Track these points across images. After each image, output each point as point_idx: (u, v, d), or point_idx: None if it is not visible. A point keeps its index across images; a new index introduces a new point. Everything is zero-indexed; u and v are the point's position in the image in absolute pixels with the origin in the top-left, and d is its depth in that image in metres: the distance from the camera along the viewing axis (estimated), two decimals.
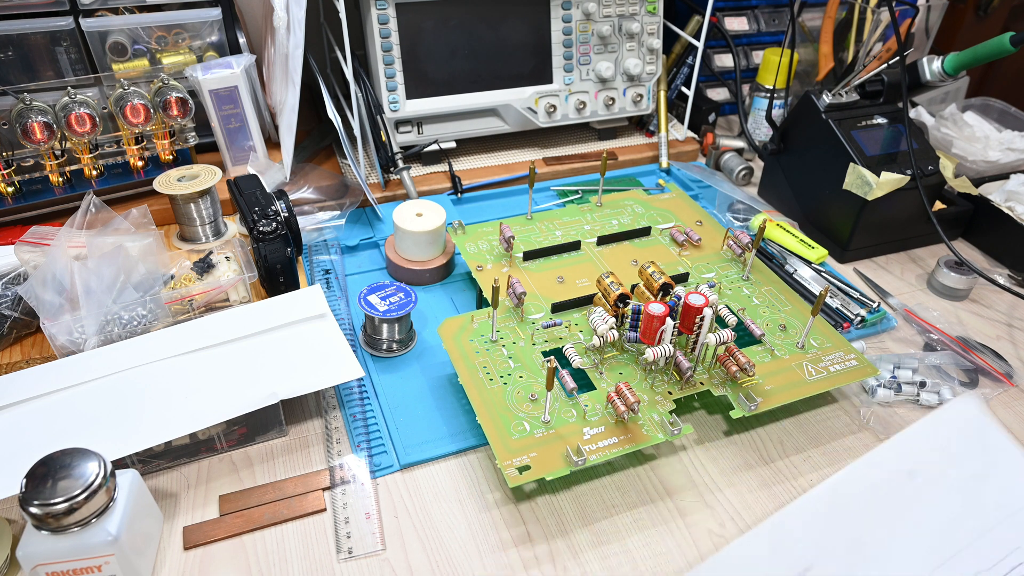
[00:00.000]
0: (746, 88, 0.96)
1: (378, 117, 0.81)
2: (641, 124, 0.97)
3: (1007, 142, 0.87)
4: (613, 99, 0.89)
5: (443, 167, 0.87)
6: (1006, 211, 0.77)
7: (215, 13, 0.81)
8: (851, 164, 0.73)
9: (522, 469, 0.48)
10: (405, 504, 0.51)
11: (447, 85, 0.83)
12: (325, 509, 0.51)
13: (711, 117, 0.97)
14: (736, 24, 1.02)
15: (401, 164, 0.82)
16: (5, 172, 0.72)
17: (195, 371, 0.54)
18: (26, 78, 0.76)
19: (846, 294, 0.69)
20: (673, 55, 0.96)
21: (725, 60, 1.03)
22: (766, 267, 0.68)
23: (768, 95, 0.91)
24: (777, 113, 0.91)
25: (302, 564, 0.47)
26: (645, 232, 0.72)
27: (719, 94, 1.03)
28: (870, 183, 0.71)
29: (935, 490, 0.48)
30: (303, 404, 0.58)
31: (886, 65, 0.77)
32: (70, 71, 0.78)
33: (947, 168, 0.79)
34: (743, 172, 0.90)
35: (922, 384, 0.61)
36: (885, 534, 0.46)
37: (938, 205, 0.81)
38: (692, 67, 0.93)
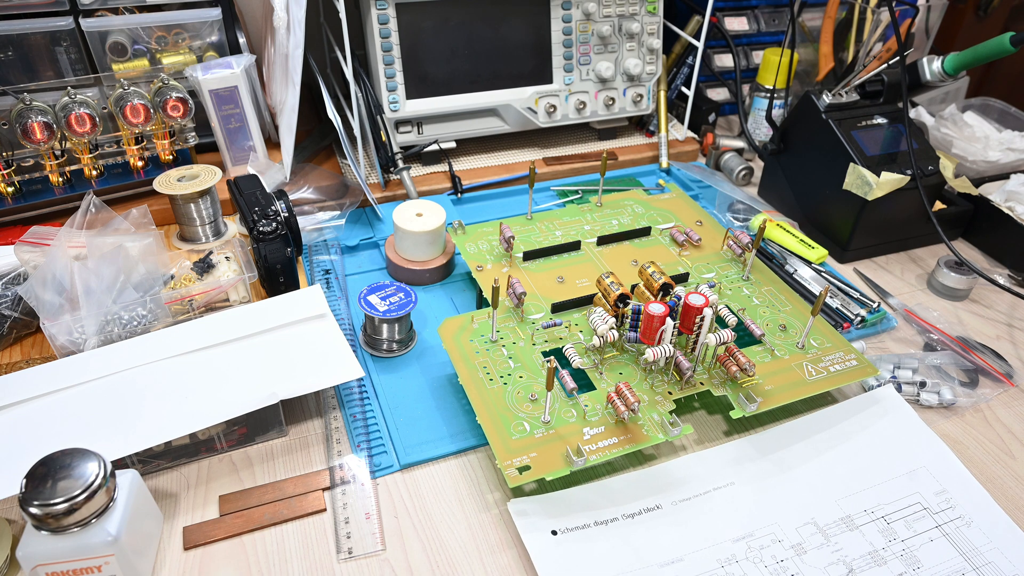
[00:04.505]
0: (746, 88, 0.96)
1: (378, 117, 0.81)
2: (641, 124, 0.97)
3: (1007, 142, 0.87)
4: (613, 99, 0.89)
5: (443, 167, 0.87)
6: (1006, 211, 0.77)
7: (215, 13, 0.81)
8: (851, 164, 0.73)
9: (522, 469, 0.48)
10: (405, 504, 0.51)
11: (447, 85, 0.83)
12: (325, 509, 0.51)
13: (711, 117, 0.97)
14: (736, 24, 1.02)
15: (401, 164, 0.82)
16: (5, 172, 0.72)
17: (195, 371, 0.54)
18: (26, 78, 0.76)
19: (846, 294, 0.69)
20: (673, 55, 0.96)
21: (725, 60, 1.03)
22: (766, 267, 0.68)
23: (768, 95, 0.91)
24: (777, 113, 0.91)
25: (302, 564, 0.47)
26: (645, 232, 0.72)
27: (719, 94, 1.03)
28: (870, 183, 0.71)
29: (850, 445, 0.56)
30: (303, 404, 0.58)
31: (886, 65, 0.77)
32: (70, 71, 0.78)
33: (947, 168, 0.79)
34: (743, 172, 0.90)
35: (922, 384, 0.61)
36: (804, 469, 0.54)
37: (938, 205, 0.81)
38: (692, 67, 0.93)
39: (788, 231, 0.76)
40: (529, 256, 0.67)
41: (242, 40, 0.84)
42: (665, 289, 0.58)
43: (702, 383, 0.55)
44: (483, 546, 0.49)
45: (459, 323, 0.60)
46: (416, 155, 0.85)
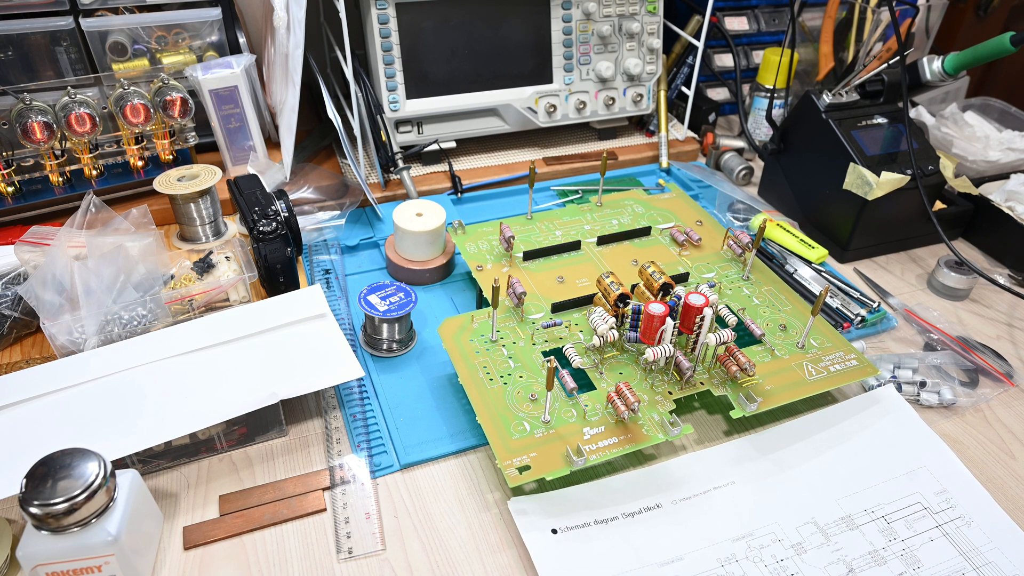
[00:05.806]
0: (746, 88, 0.96)
1: (378, 117, 0.81)
2: (641, 124, 0.97)
3: (1007, 142, 0.87)
4: (613, 99, 0.89)
5: (443, 167, 0.87)
6: (1006, 211, 0.77)
7: (215, 13, 0.81)
8: (851, 164, 0.73)
9: (522, 469, 0.48)
10: (405, 504, 0.51)
11: (447, 85, 0.83)
12: (325, 509, 0.51)
13: (711, 117, 0.97)
14: (736, 24, 1.02)
15: (401, 164, 0.82)
16: (5, 172, 0.72)
17: (195, 371, 0.54)
18: (26, 78, 0.76)
19: (846, 294, 0.69)
20: (673, 55, 0.96)
21: (725, 60, 1.03)
22: (766, 267, 0.68)
23: (768, 95, 0.91)
24: (777, 113, 0.91)
25: (302, 564, 0.47)
26: (645, 232, 0.72)
27: (719, 94, 1.03)
28: (870, 183, 0.71)
29: (850, 444, 0.56)
30: (303, 404, 0.58)
31: (886, 65, 0.77)
32: (70, 71, 0.78)
33: (947, 168, 0.79)
34: (743, 172, 0.90)
35: (922, 384, 0.61)
36: (805, 469, 0.54)
37: (938, 205, 0.80)
38: (692, 67, 0.93)
39: (788, 231, 0.76)
40: (529, 256, 0.67)
41: (242, 40, 0.84)
42: (665, 289, 0.58)
43: (702, 383, 0.55)
44: (483, 546, 0.49)
45: (459, 323, 0.60)
46: (416, 155, 0.85)
